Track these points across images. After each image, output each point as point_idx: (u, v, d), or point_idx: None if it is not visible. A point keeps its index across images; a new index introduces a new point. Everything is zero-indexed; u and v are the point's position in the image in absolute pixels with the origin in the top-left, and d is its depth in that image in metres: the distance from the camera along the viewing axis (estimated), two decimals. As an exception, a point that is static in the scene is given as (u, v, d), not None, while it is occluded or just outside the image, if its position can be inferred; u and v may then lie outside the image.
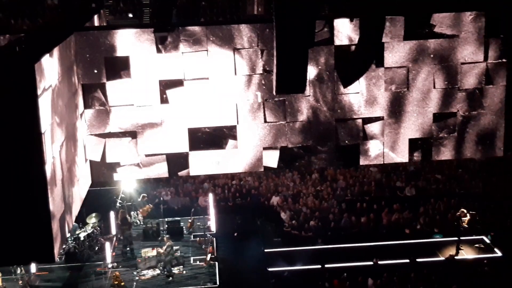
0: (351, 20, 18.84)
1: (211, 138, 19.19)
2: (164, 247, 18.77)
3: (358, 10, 18.67)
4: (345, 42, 18.94)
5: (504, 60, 19.53)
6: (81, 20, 19.16)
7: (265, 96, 19.04)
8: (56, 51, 15.45)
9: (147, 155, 18.62)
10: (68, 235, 18.17)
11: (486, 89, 19.71)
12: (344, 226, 21.01)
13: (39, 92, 13.51)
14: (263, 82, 18.94)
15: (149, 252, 18.88)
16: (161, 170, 19.01)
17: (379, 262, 18.29)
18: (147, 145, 18.68)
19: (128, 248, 19.61)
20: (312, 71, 19.06)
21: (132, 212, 21.09)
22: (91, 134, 18.39)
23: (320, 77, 19.42)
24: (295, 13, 16.72)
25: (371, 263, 18.24)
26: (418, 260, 18.45)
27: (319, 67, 19.02)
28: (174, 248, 19.08)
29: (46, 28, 17.49)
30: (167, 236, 19.71)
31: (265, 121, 19.07)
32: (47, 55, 14.68)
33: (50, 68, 14.83)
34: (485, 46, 19.42)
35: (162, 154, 18.62)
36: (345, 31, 18.90)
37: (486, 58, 19.50)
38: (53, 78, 15.15)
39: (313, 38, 18.29)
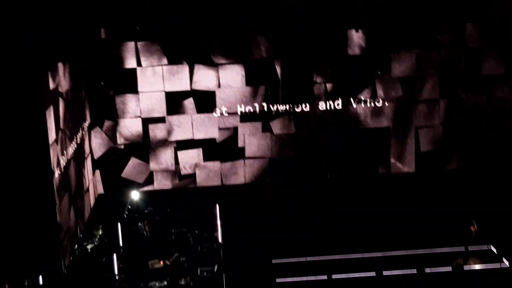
0: (357, 31, 18.93)
1: (224, 150, 19.28)
2: (171, 259, 18.76)
3: (366, 20, 18.79)
4: (357, 52, 19.00)
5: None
6: (88, 33, 19.30)
7: (271, 105, 19.16)
8: (63, 64, 15.53)
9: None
10: (75, 246, 18.21)
11: (492, 100, 19.73)
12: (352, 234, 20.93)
13: (46, 104, 13.59)
14: (269, 92, 19.02)
15: (156, 264, 18.88)
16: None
17: (384, 273, 18.25)
18: (161, 157, 18.83)
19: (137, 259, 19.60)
20: (318, 82, 19.13)
21: (139, 224, 21.13)
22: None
23: (327, 87, 19.46)
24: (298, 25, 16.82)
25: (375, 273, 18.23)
26: (425, 270, 18.41)
27: (326, 77, 19.09)
28: (181, 259, 19.06)
29: (53, 39, 17.59)
30: (174, 246, 19.69)
31: (272, 133, 19.17)
32: (55, 68, 14.76)
33: (57, 79, 14.90)
34: (487, 56, 19.49)
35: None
36: (357, 41, 18.95)
37: (490, 67, 19.56)
38: (61, 90, 15.23)
39: (317, 47, 18.44)
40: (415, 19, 19.27)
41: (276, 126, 19.12)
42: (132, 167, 18.79)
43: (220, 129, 19.05)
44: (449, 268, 18.83)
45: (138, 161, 18.81)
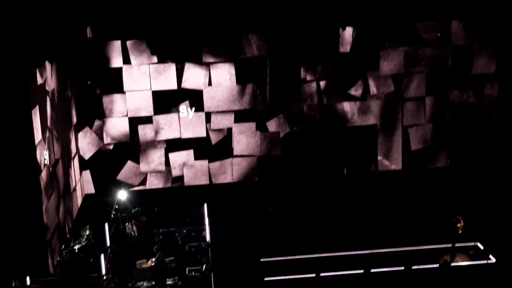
0: (343, 29, 18.96)
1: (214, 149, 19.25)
2: (154, 258, 18.74)
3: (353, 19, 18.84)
4: (348, 49, 19.00)
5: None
6: (75, 35, 19.20)
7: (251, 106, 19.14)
8: (49, 64, 15.44)
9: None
10: (62, 247, 18.12)
11: (482, 98, 19.83)
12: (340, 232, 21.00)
13: (32, 104, 13.51)
14: (257, 92, 19.02)
15: (144, 264, 18.83)
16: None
17: (372, 270, 18.33)
18: (151, 159, 18.77)
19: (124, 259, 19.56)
20: (307, 80, 19.15)
21: (126, 224, 21.05)
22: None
23: (316, 86, 19.49)
24: (288, 25, 16.83)
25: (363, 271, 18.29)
26: (413, 267, 18.48)
27: (316, 75, 19.11)
28: (169, 258, 19.04)
29: (39, 42, 17.53)
30: (157, 246, 19.64)
31: (261, 131, 19.17)
32: (41, 67, 14.69)
33: (44, 79, 14.82)
34: (476, 55, 19.58)
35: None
36: (349, 39, 18.96)
37: (478, 66, 19.67)
38: (48, 89, 15.15)
39: (304, 49, 18.46)
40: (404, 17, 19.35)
41: (272, 125, 19.13)
42: (128, 170, 18.76)
43: (209, 128, 19.01)
44: (436, 265, 18.93)
45: (134, 164, 18.78)
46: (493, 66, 19.38)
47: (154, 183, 19.20)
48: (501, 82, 19.66)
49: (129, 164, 18.74)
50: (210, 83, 18.78)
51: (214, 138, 19.16)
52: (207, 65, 18.62)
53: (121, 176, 18.88)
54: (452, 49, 19.29)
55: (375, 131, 19.69)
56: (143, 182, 19.05)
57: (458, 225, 19.09)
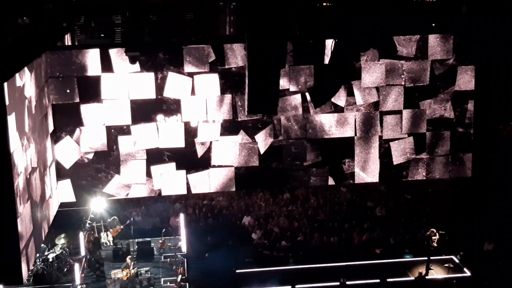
0: (311, 41, 18.97)
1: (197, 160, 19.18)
2: (128, 269, 18.66)
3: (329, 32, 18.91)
4: (327, 61, 18.99)
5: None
6: (52, 39, 19.08)
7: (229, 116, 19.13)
8: (26, 71, 15.31)
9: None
10: (36, 256, 17.93)
11: (455, 111, 20.06)
12: (315, 246, 21.06)
13: (8, 111, 13.38)
14: (239, 103, 19.02)
15: (119, 273, 18.71)
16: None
17: (348, 282, 18.37)
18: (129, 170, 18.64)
19: (99, 270, 19.42)
20: (288, 91, 19.18)
21: (102, 233, 20.90)
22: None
23: (297, 97, 19.56)
24: (267, 33, 16.86)
25: (338, 283, 18.31)
26: (388, 280, 18.56)
27: (299, 86, 19.17)
28: (145, 269, 18.99)
29: (17, 46, 17.41)
30: (130, 257, 19.54)
31: (239, 141, 19.16)
32: (18, 74, 14.56)
33: (20, 87, 14.69)
34: (454, 69, 19.82)
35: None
36: (328, 51, 18.97)
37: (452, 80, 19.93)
38: (25, 97, 15.01)
39: (285, 59, 18.48)
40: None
41: (252, 136, 19.11)
42: (112, 183, 18.59)
43: (186, 136, 18.95)
44: (411, 278, 19.05)
45: (116, 176, 18.61)
46: (471, 80, 19.61)
47: (133, 193, 19.07)
48: (478, 96, 19.88)
49: (113, 176, 18.67)
50: (192, 93, 18.77)
51: (196, 149, 19.10)
52: (190, 75, 18.60)
53: (107, 189, 18.77)
54: (430, 63, 19.50)
55: (352, 143, 19.79)
56: (126, 193, 18.91)
57: (434, 238, 19.26)
